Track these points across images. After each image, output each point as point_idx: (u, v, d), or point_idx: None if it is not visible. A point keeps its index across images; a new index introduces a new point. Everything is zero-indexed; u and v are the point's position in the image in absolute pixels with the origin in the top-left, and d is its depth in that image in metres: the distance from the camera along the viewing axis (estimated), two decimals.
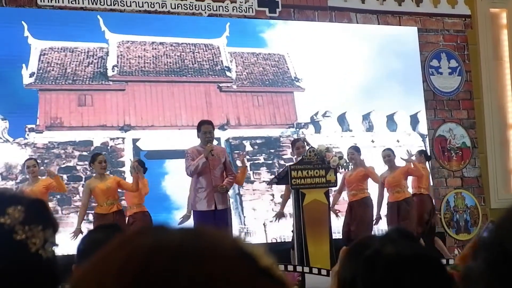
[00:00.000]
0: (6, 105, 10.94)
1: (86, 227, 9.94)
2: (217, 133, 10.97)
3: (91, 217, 10.29)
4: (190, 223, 9.67)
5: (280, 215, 10.76)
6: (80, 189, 11.02)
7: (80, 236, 8.85)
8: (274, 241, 11.75)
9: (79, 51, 11.66)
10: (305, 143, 10.42)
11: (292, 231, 9.94)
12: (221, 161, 9.57)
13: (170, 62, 12.17)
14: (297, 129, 12.68)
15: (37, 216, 1.59)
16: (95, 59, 11.74)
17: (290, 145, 11.13)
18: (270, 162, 12.41)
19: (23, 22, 11.16)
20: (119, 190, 10.12)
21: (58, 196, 10.86)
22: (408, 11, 13.63)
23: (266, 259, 0.99)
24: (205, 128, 9.51)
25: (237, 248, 0.98)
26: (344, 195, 11.35)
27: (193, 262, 0.94)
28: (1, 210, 1.57)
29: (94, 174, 10.25)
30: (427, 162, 12.15)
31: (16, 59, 11.09)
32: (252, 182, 12.13)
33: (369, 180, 11.16)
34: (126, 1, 11.62)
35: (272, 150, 12.48)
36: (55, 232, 1.62)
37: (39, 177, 9.99)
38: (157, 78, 12.08)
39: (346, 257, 1.94)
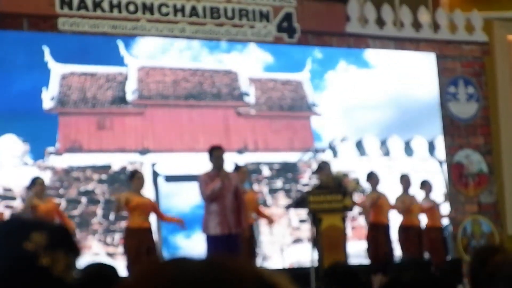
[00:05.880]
0: (26, 128, 10.99)
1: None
2: (234, 157, 11.02)
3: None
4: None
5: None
6: (99, 212, 11.08)
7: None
8: (291, 266, 11.74)
9: (99, 75, 11.75)
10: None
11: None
12: (232, 185, 9.55)
13: (189, 87, 12.23)
14: (315, 154, 12.69)
15: (60, 241, 1.63)
16: (115, 83, 11.81)
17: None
18: (288, 186, 12.42)
19: (44, 46, 11.27)
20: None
21: (78, 220, 10.93)
22: (425, 38, 13.66)
23: (287, 286, 1.03)
24: (218, 153, 9.50)
25: (258, 277, 1.00)
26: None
27: None
28: (25, 235, 1.60)
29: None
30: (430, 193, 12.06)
31: (36, 83, 11.18)
32: (269, 207, 12.14)
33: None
34: (146, 26, 11.71)
35: (290, 175, 12.49)
36: (77, 257, 1.67)
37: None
38: (176, 103, 12.14)
39: None
